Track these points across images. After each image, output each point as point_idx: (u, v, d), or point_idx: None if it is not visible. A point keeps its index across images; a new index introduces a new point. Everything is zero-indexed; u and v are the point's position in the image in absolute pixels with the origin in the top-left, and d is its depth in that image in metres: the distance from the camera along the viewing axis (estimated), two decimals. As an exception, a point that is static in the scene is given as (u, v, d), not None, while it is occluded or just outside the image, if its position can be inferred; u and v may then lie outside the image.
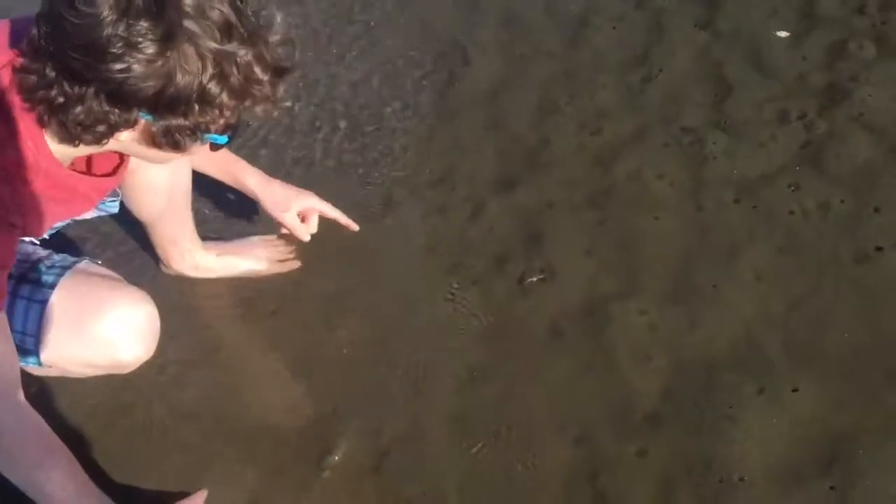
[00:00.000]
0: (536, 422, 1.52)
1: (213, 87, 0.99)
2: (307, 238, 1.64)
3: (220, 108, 1.02)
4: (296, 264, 1.74)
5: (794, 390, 1.50)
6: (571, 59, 2.07)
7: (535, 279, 1.70)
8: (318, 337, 1.66)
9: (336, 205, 1.64)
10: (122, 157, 1.25)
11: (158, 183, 1.48)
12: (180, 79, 0.98)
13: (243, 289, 1.73)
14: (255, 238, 1.76)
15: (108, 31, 0.94)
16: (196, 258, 1.68)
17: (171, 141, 1.03)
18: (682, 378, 1.55)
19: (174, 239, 1.64)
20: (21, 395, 1.11)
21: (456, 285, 1.71)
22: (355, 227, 1.65)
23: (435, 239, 1.80)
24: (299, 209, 1.59)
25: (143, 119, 1.02)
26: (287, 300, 1.71)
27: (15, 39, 1.05)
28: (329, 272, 1.74)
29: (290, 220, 1.60)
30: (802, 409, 1.48)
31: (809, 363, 1.54)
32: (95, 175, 1.23)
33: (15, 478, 1.12)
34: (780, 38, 2.03)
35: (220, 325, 1.71)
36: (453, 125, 1.99)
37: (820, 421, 1.46)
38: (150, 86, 0.98)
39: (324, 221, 1.67)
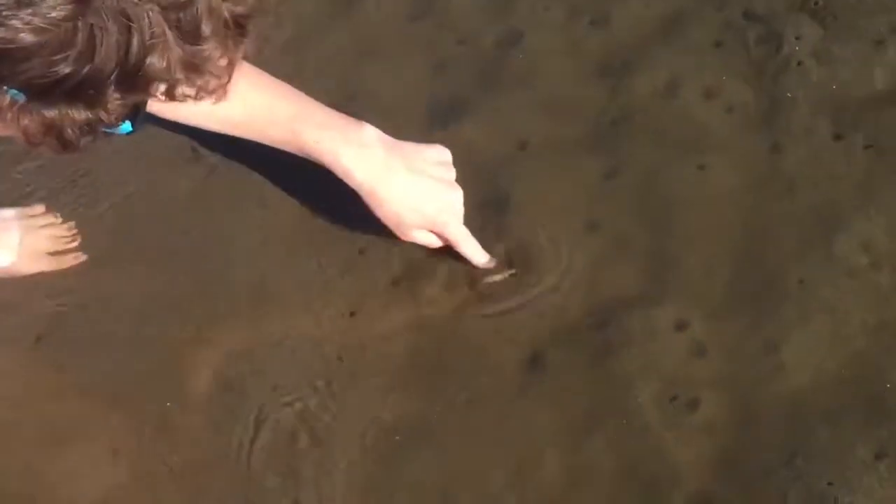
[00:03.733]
0: None
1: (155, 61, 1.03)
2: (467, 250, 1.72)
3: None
4: (77, 258, 1.77)
5: (936, 453, 1.53)
6: None
7: (498, 277, 1.71)
8: (118, 379, 1.68)
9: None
10: None
11: None
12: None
13: None
14: (9, 211, 1.78)
15: None
16: None
17: (59, 139, 1.08)
18: (746, 435, 1.55)
19: None
20: None
21: (362, 290, 1.72)
22: (493, 263, 1.73)
23: (326, 206, 1.79)
24: (432, 230, 1.69)
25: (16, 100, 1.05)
26: (62, 319, 1.73)
27: None
28: (134, 270, 1.76)
29: (420, 238, 1.70)
30: (950, 483, 1.51)
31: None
32: None
33: None
34: None
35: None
36: (358, 11, 1.99)
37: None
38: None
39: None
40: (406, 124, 1.84)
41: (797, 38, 1.88)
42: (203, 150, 1.86)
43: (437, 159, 1.68)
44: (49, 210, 1.79)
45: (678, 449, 1.54)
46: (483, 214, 1.76)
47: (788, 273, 1.67)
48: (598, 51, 1.91)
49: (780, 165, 1.77)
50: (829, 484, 1.49)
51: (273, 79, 1.61)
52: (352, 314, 1.70)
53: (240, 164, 1.85)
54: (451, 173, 1.68)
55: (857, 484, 1.49)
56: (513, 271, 1.71)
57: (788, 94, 1.83)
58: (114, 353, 1.70)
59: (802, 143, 1.79)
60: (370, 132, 1.63)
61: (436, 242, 1.68)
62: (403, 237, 1.67)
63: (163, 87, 1.06)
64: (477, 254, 1.70)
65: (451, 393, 1.62)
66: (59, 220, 1.79)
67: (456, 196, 1.67)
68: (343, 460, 1.59)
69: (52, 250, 1.76)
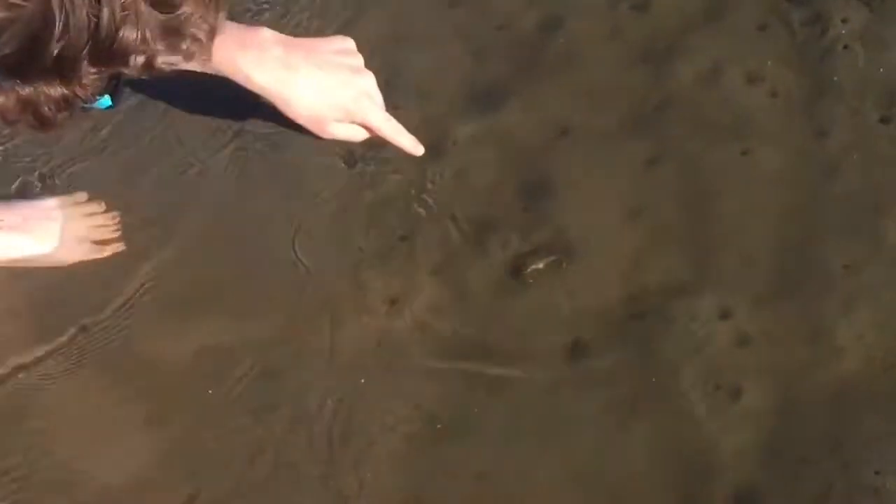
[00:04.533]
0: (543, 501, 1.55)
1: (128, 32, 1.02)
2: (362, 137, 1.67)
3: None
4: (116, 247, 1.79)
5: None
6: None
7: (541, 265, 1.71)
8: (161, 372, 1.69)
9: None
10: None
11: None
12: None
13: (27, 288, 1.76)
14: (51, 200, 1.79)
15: None
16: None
17: (36, 116, 1.08)
18: (791, 424, 1.55)
19: None
20: None
21: (402, 277, 1.72)
22: (420, 149, 1.70)
23: (368, 195, 1.80)
24: (351, 120, 1.64)
25: None
26: (105, 308, 1.74)
27: None
28: (173, 258, 1.77)
29: (341, 133, 1.65)
30: None
31: None
32: None
33: None
34: None
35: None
36: (397, -1, 2.00)
37: None
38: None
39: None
40: (446, 110, 1.86)
41: (843, 22, 1.87)
42: (241, 139, 1.86)
43: (339, 49, 1.64)
44: (92, 199, 1.81)
45: (721, 437, 1.55)
46: (524, 200, 1.76)
47: (833, 259, 1.66)
48: (639, 36, 1.90)
49: (824, 150, 1.77)
50: (876, 473, 1.50)
51: None
52: (392, 302, 1.70)
53: (277, 150, 1.85)
54: (358, 60, 1.64)
55: (904, 472, 1.49)
56: (553, 258, 1.71)
57: (834, 78, 1.82)
58: (155, 341, 1.71)
59: (848, 128, 1.78)
60: (266, 33, 1.59)
61: (359, 135, 1.64)
62: (324, 135, 1.63)
63: (141, 59, 1.04)
64: (402, 137, 1.66)
65: (491, 380, 1.63)
66: (103, 208, 1.80)
67: (367, 81, 1.63)
68: (384, 448, 1.60)
69: (94, 239, 1.78)
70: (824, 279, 1.65)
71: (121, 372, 1.69)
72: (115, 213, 1.79)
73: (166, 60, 1.07)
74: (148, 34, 1.02)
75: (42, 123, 1.08)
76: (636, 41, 1.90)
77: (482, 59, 1.91)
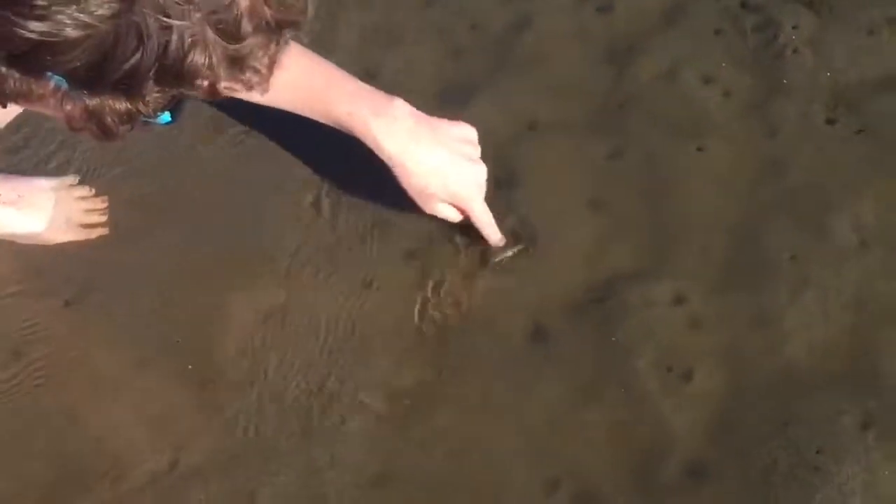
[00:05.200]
0: (507, 476, 1.56)
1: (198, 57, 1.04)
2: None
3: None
4: (102, 231, 1.80)
5: (920, 422, 1.54)
6: None
7: (508, 252, 1.73)
8: (144, 344, 1.70)
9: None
10: None
11: None
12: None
13: (18, 262, 1.76)
14: (44, 182, 1.80)
15: None
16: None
17: (99, 126, 1.11)
18: (739, 404, 1.58)
19: None
20: None
21: (376, 262, 1.75)
22: (502, 243, 1.74)
23: (343, 179, 1.80)
24: (455, 204, 1.68)
25: (59, 87, 1.08)
26: (91, 284, 1.74)
27: None
28: (160, 239, 1.77)
29: (442, 211, 1.69)
30: (934, 452, 1.51)
31: (942, 379, 1.57)
32: None
33: None
34: None
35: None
36: (373, -1, 2.00)
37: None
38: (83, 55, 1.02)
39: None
40: (421, 105, 1.80)
41: (794, 28, 1.90)
42: (227, 123, 1.86)
43: (462, 136, 1.68)
44: (82, 182, 1.81)
45: (674, 417, 1.57)
46: (493, 190, 1.75)
47: (781, 250, 1.69)
48: (604, 36, 1.92)
49: (775, 148, 1.79)
50: (818, 452, 1.53)
51: (304, 49, 1.59)
52: (366, 285, 1.71)
53: (264, 139, 1.84)
54: (477, 150, 1.68)
55: (844, 452, 1.52)
56: (521, 247, 1.73)
57: (784, 81, 1.85)
58: (140, 318, 1.71)
59: (797, 127, 1.81)
60: (400, 105, 1.63)
61: (456, 217, 1.68)
62: (427, 209, 1.66)
63: (205, 83, 1.07)
64: (493, 232, 1.70)
65: (459, 360, 1.65)
66: (93, 192, 1.81)
67: (480, 172, 1.67)
68: (355, 424, 1.61)
69: (83, 222, 1.79)
70: (772, 269, 1.68)
71: (104, 347, 1.70)
72: (104, 197, 1.80)
73: (228, 86, 1.09)
74: (214, 61, 1.04)
75: (105, 133, 1.10)
76: (600, 41, 1.92)
77: (455, 57, 1.92)
